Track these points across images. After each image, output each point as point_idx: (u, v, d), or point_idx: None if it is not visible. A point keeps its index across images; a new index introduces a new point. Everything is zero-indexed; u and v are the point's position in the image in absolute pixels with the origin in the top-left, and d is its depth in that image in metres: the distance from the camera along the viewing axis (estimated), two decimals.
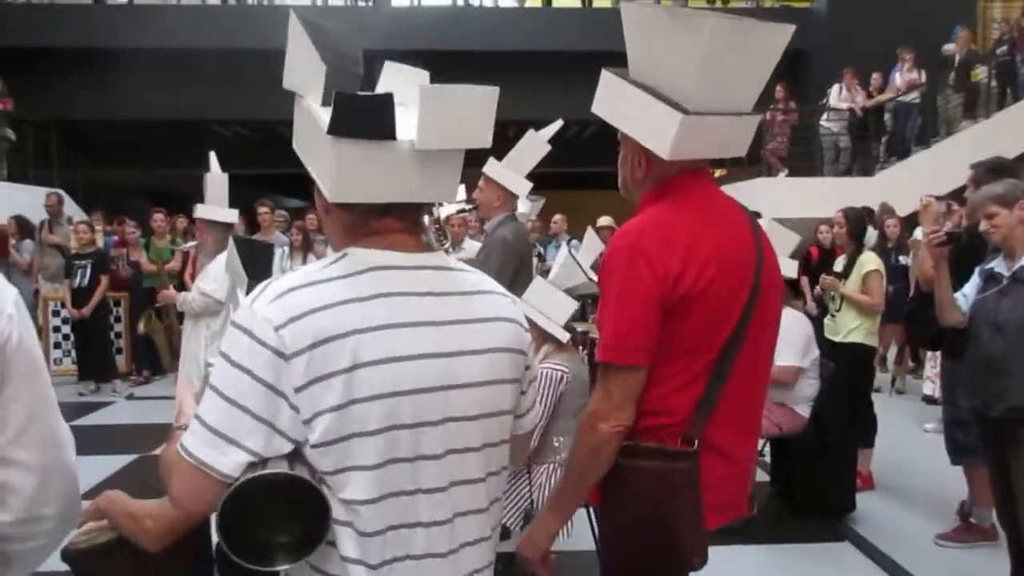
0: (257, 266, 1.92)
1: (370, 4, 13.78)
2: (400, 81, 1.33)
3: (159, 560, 1.63)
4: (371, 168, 1.20)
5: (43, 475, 1.17)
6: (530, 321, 3.21)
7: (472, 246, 6.15)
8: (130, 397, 8.22)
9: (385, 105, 1.17)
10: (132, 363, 9.08)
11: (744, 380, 1.67)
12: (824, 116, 11.98)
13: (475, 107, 1.23)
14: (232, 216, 4.64)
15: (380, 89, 1.32)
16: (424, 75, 1.35)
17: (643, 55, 1.63)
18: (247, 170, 16.38)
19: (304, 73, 1.28)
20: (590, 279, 3.33)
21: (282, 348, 1.13)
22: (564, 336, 3.28)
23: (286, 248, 8.03)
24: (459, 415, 1.25)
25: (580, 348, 5.61)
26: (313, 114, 1.24)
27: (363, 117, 1.16)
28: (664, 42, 1.57)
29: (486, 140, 1.26)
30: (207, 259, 4.83)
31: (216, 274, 4.58)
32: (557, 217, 9.48)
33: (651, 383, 1.62)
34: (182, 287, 7.02)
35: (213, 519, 1.23)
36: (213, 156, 4.55)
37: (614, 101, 1.70)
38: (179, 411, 1.51)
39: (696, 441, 1.63)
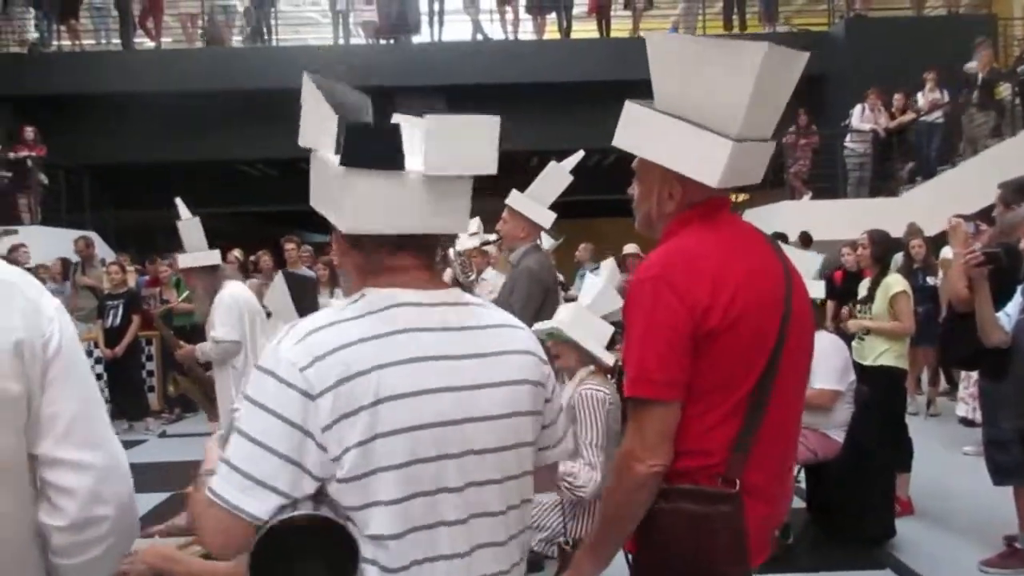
0: (304, 301, 1.96)
1: (391, 43, 14.00)
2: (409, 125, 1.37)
3: None
4: (382, 199, 1.24)
5: (96, 474, 1.19)
6: (567, 345, 3.21)
7: (492, 276, 6.18)
8: (163, 435, 8.30)
9: (394, 136, 1.22)
10: (164, 401, 9.17)
11: (781, 412, 1.61)
12: (847, 137, 11.95)
13: (479, 135, 1.27)
14: (214, 258, 4.69)
15: None
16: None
17: (676, 85, 1.60)
18: (273, 207, 16.66)
19: (318, 128, 1.32)
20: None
21: (308, 388, 1.16)
22: (610, 359, 3.26)
23: None
24: (479, 448, 1.26)
25: (609, 376, 5.57)
26: (327, 162, 1.28)
27: (373, 148, 1.21)
28: (708, 71, 1.55)
29: (491, 167, 1.29)
30: (203, 305, 4.85)
31: (221, 317, 4.60)
32: (582, 246, 9.50)
33: (684, 421, 1.56)
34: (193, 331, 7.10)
35: None
36: (180, 202, 4.60)
37: (642, 132, 1.66)
38: (206, 456, 1.53)
39: (737, 482, 1.55)
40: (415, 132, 1.24)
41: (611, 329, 3.32)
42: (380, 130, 1.23)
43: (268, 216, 17.19)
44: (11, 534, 1.16)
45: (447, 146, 1.23)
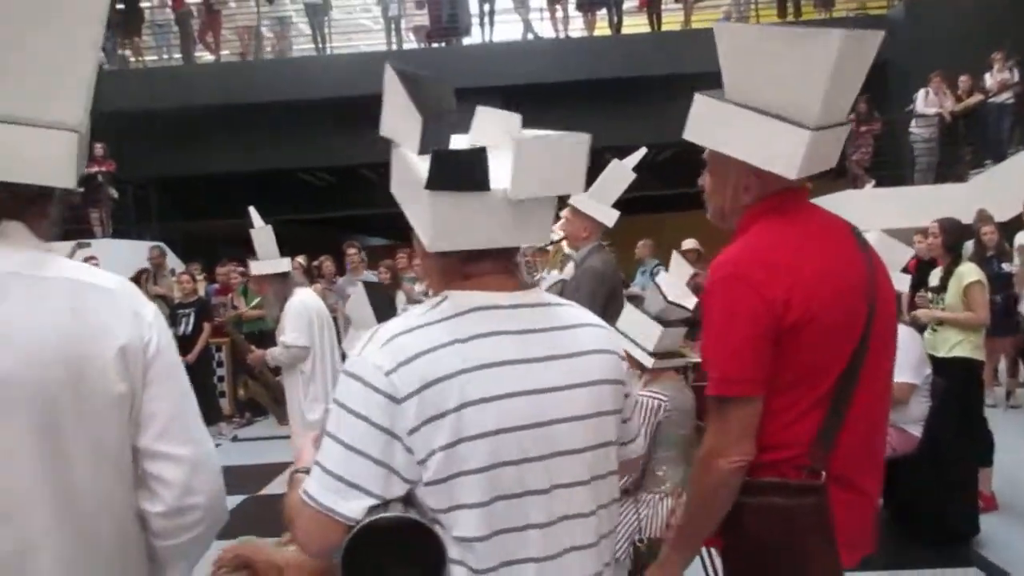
0: (384, 311, 2.00)
1: (443, 45, 14.10)
2: (491, 125, 1.36)
3: None
4: (467, 217, 1.24)
5: (190, 466, 1.29)
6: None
7: (551, 276, 6.18)
8: (235, 439, 8.52)
9: (479, 159, 1.21)
10: (235, 406, 9.41)
11: (866, 405, 1.59)
12: (911, 123, 11.61)
13: (567, 155, 1.26)
14: (285, 265, 4.80)
15: (473, 133, 1.36)
16: (516, 118, 1.38)
17: (748, 76, 1.58)
18: (333, 213, 16.95)
19: (400, 123, 1.33)
20: (676, 304, 3.30)
21: (394, 392, 1.18)
22: (648, 361, 3.24)
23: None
24: (564, 449, 1.27)
25: (682, 375, 5.51)
26: (410, 163, 1.29)
27: (459, 171, 1.21)
28: (782, 61, 1.52)
29: (578, 187, 1.30)
30: (273, 311, 4.98)
31: (291, 323, 4.72)
32: (641, 243, 9.42)
33: (766, 415, 1.55)
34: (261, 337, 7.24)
35: None
36: (253, 211, 4.68)
37: (713, 124, 1.64)
38: (298, 455, 1.59)
39: (823, 473, 1.54)
40: (502, 152, 1.23)
41: (659, 329, 3.28)
42: (466, 153, 1.23)
43: (327, 222, 17.50)
44: (119, 511, 1.28)
45: (534, 168, 1.22)
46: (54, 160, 1.25)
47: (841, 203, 10.98)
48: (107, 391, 1.23)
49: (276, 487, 6.22)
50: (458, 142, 1.33)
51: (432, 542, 1.20)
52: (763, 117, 1.55)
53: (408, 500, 1.23)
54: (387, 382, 1.18)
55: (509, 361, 1.24)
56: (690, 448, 3.13)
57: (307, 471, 1.36)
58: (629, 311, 3.33)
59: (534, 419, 1.24)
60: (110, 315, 1.25)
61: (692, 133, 1.69)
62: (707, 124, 1.66)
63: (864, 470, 1.63)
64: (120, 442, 1.26)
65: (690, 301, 3.34)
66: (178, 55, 14.61)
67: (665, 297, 3.32)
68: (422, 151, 1.27)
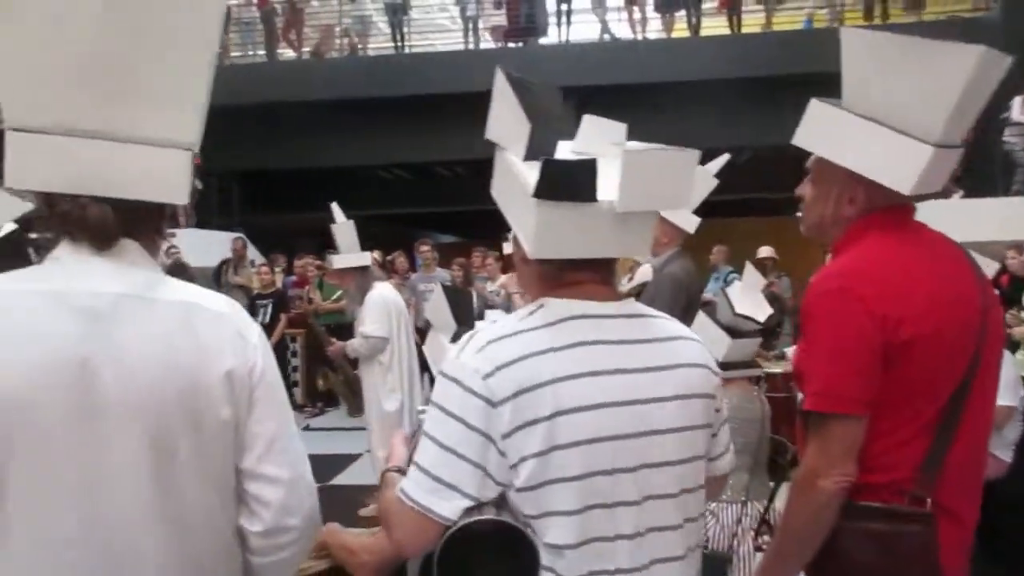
0: (463, 313, 2.03)
1: (520, 45, 14.14)
2: (597, 133, 1.37)
3: None
4: (570, 227, 1.25)
5: (289, 488, 1.31)
6: None
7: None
8: (307, 428, 8.69)
9: (589, 170, 1.22)
10: (307, 396, 9.63)
11: (972, 430, 1.54)
12: (1004, 132, 11.12)
13: (675, 171, 1.27)
14: (365, 259, 4.91)
15: (578, 141, 1.36)
16: (621, 127, 1.38)
17: (872, 85, 1.54)
18: (406, 209, 17.18)
19: (508, 128, 1.35)
20: (746, 317, 3.23)
21: (490, 396, 1.20)
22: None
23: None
24: (655, 461, 1.28)
25: (756, 385, 5.42)
26: (515, 170, 1.30)
27: (567, 182, 1.22)
28: (912, 73, 1.48)
29: (684, 202, 1.30)
30: (354, 303, 5.13)
31: (371, 315, 4.85)
32: (716, 248, 9.29)
33: (870, 437, 1.50)
34: (338, 329, 7.39)
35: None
36: (336, 206, 4.78)
37: (828, 132, 1.60)
38: (390, 454, 1.63)
39: (928, 500, 1.48)
40: (609, 162, 1.24)
41: (728, 339, 3.20)
42: (576, 164, 1.23)
43: (400, 219, 17.76)
44: (222, 529, 1.30)
45: (642, 182, 1.23)
46: (171, 178, 1.29)
47: (927, 214, 10.58)
48: (215, 414, 1.25)
49: (345, 477, 6.36)
50: (562, 149, 1.34)
51: (527, 547, 1.22)
52: (884, 129, 1.51)
53: (500, 504, 1.25)
54: (484, 386, 1.21)
55: (605, 371, 1.25)
56: (755, 456, 3.09)
57: (398, 470, 1.39)
58: (701, 319, 3.29)
59: (628, 430, 1.25)
60: (219, 339, 1.27)
61: (803, 139, 1.66)
62: (820, 131, 1.62)
63: (965, 498, 1.57)
64: (225, 463, 1.29)
65: (762, 313, 3.28)
66: (262, 52, 15.01)
67: (733, 310, 3.27)
68: (528, 157, 1.29)
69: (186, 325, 1.26)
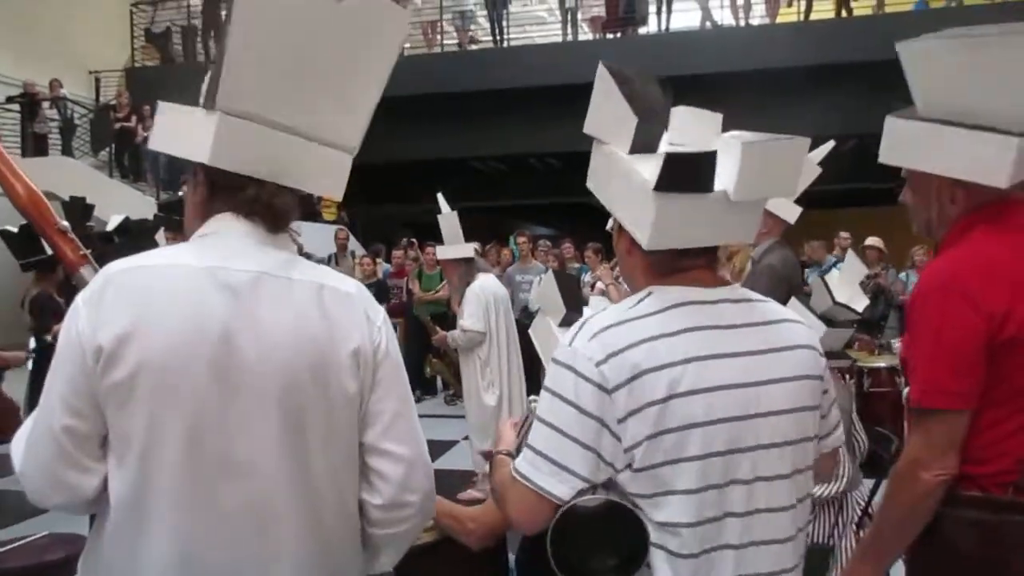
0: (572, 298, 2.06)
1: (618, 36, 14.00)
2: (691, 124, 1.38)
3: (473, 565, 1.81)
4: (685, 217, 1.28)
5: (409, 465, 1.36)
6: None
7: None
8: None
9: (710, 163, 1.25)
10: None
11: None
12: None
13: (787, 159, 1.29)
14: (468, 251, 4.93)
15: (672, 133, 1.38)
16: (716, 117, 1.39)
17: (944, 91, 1.54)
18: (503, 201, 17.34)
19: (610, 122, 1.37)
20: (844, 306, 3.14)
21: (604, 383, 1.23)
22: None
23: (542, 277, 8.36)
24: (767, 443, 1.29)
25: (847, 378, 5.27)
26: (623, 163, 1.33)
27: (688, 174, 1.24)
28: (985, 69, 1.47)
29: (792, 190, 1.32)
30: (456, 294, 5.17)
31: (469, 308, 4.88)
32: (816, 243, 9.03)
33: (974, 429, 1.50)
34: (444, 317, 7.55)
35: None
36: (441, 198, 4.83)
37: (910, 145, 1.62)
38: (497, 439, 1.69)
39: None
40: (728, 155, 1.26)
41: (822, 327, 3.10)
42: (698, 156, 1.26)
43: (495, 210, 17.96)
44: (346, 496, 1.36)
45: (757, 171, 1.25)
46: (334, 175, 1.42)
47: None
48: (343, 390, 1.31)
49: (442, 463, 6.49)
50: (663, 142, 1.36)
51: (638, 527, 1.26)
52: (963, 130, 1.51)
53: (608, 485, 1.29)
54: (598, 372, 1.24)
55: (717, 355, 1.27)
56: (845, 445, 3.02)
57: (507, 453, 1.45)
58: (794, 305, 3.21)
59: (741, 411, 1.27)
60: (348, 318, 1.33)
61: (888, 157, 1.67)
62: (903, 146, 1.64)
63: None
64: (351, 436, 1.34)
65: (860, 303, 3.19)
66: None
67: (833, 298, 3.18)
68: (633, 151, 1.31)
69: (318, 303, 1.31)
